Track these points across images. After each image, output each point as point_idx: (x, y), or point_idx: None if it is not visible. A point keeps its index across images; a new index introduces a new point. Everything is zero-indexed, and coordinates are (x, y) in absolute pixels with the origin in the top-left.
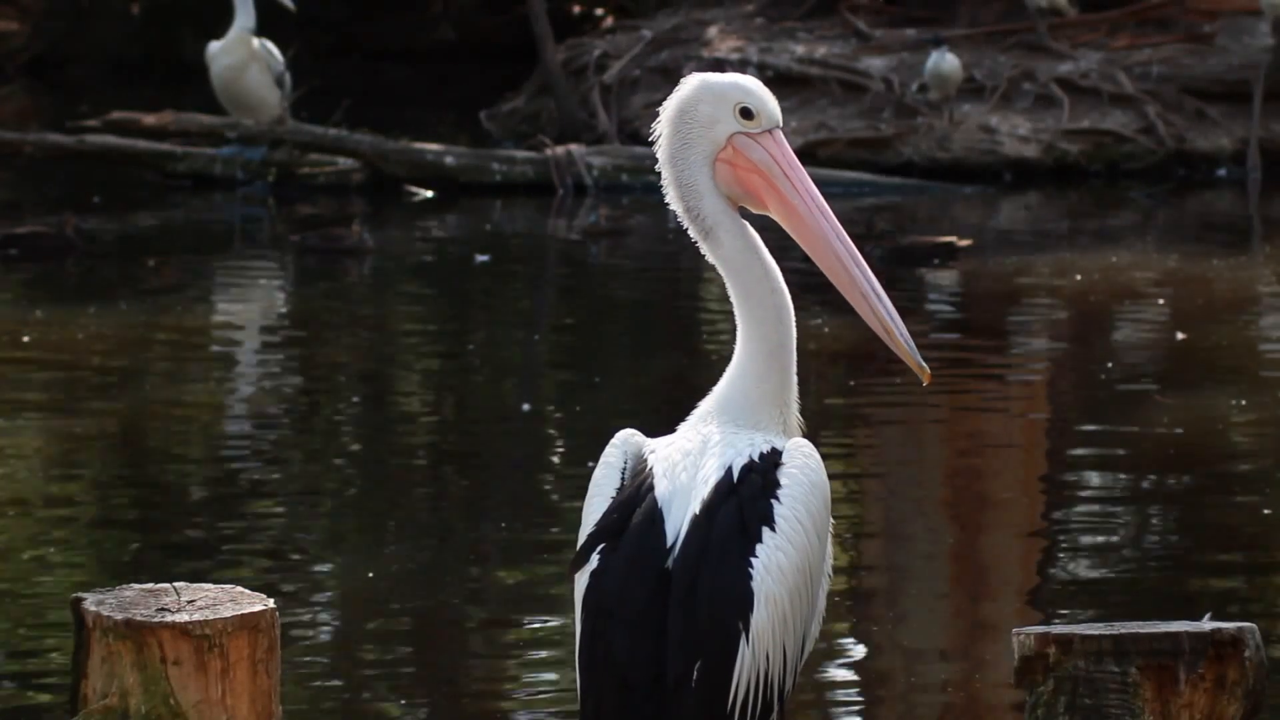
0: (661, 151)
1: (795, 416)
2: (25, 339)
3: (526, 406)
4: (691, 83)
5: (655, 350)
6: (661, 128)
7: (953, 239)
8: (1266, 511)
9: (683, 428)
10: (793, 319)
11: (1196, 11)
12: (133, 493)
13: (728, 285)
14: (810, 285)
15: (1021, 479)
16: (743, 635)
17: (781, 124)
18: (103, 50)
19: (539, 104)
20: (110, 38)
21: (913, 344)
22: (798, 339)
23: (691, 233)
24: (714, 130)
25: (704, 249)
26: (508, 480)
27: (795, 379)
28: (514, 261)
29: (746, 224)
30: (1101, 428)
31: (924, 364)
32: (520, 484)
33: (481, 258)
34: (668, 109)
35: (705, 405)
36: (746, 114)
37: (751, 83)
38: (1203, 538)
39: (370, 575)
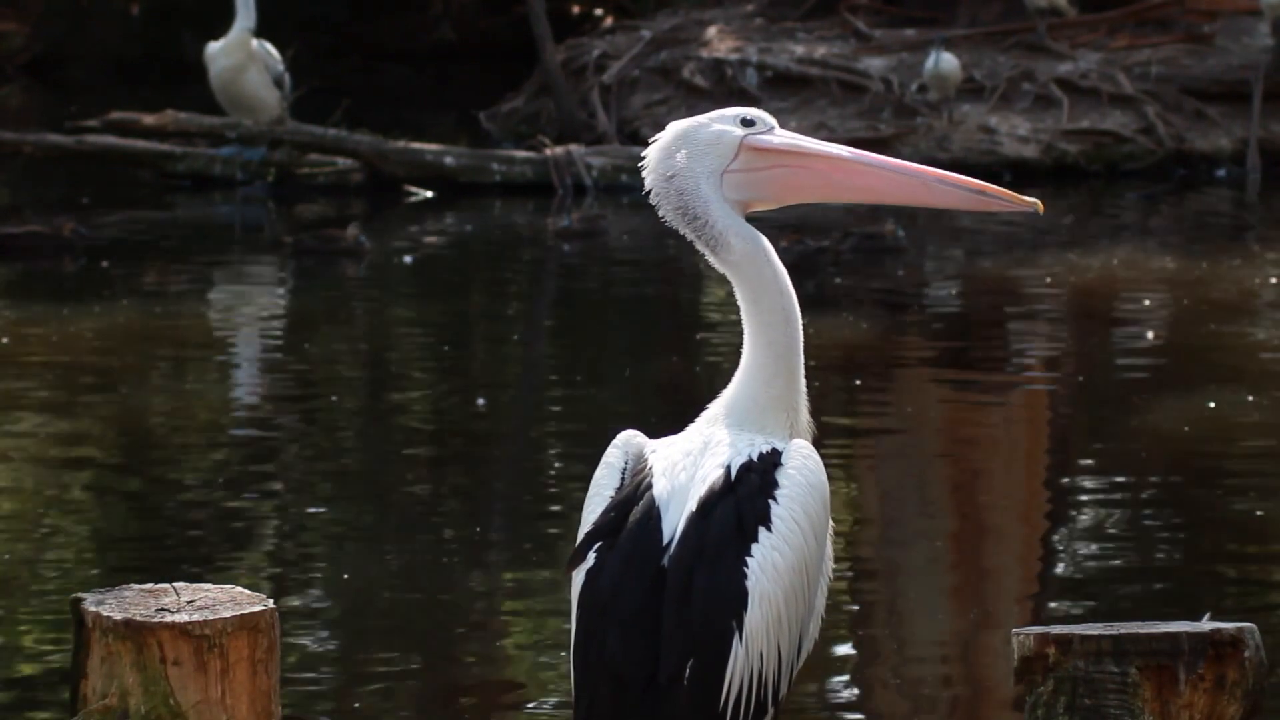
0: (657, 173)
1: (805, 419)
2: (22, 339)
3: (481, 402)
4: (678, 122)
5: (641, 350)
6: (653, 155)
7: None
8: (1261, 512)
9: (688, 429)
10: (800, 322)
11: (1196, 11)
12: (132, 493)
13: (737, 290)
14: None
15: (1021, 479)
16: (736, 634)
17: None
18: (103, 50)
19: (539, 104)
20: (110, 38)
21: (1007, 192)
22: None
23: (699, 246)
24: (721, 143)
25: (713, 259)
26: (506, 479)
27: (803, 382)
28: (496, 262)
29: (754, 229)
30: (1100, 428)
31: (1030, 199)
32: (519, 482)
33: (406, 259)
34: (661, 142)
35: (713, 408)
36: (748, 122)
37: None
38: (1202, 538)
39: (370, 575)
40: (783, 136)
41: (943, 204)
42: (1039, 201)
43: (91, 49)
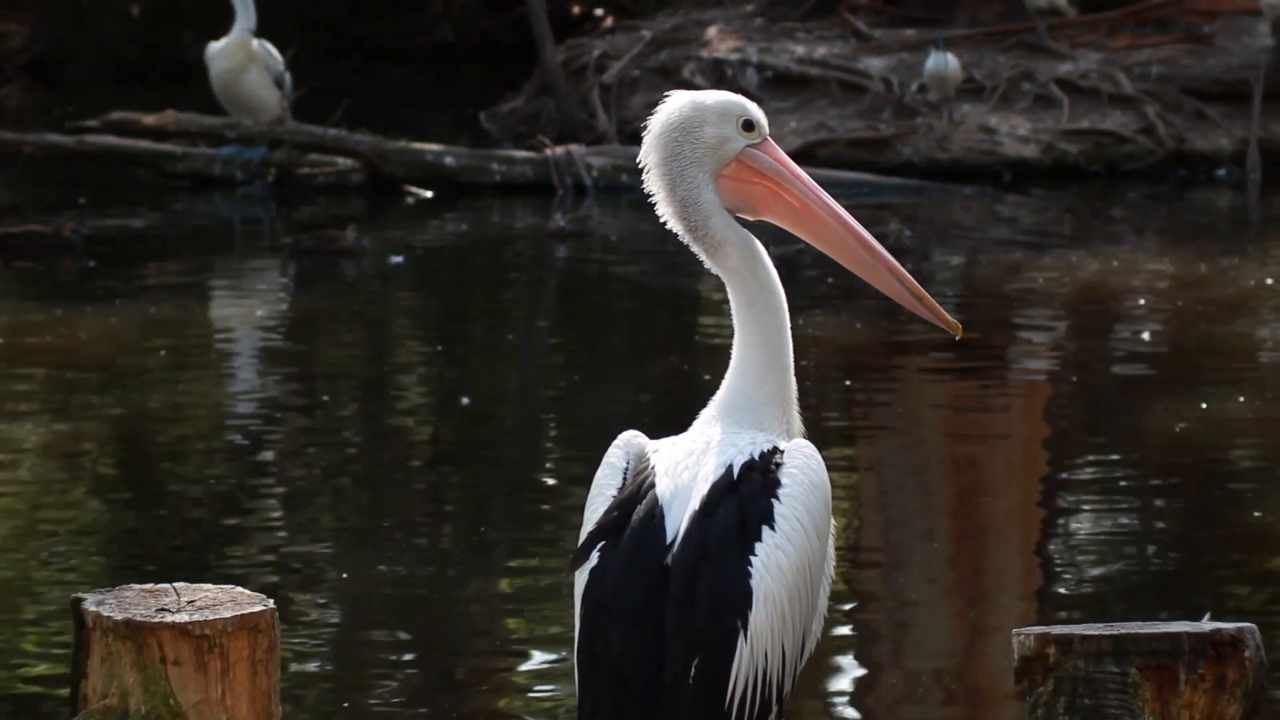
0: (659, 175)
1: (797, 417)
2: (21, 339)
3: (465, 400)
4: (681, 106)
5: (638, 351)
6: (654, 152)
7: None
8: (1259, 513)
9: (689, 430)
10: (788, 318)
11: (1196, 11)
12: (132, 493)
13: (730, 291)
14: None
15: (1021, 479)
16: (741, 633)
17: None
18: (103, 50)
19: (539, 104)
20: (110, 38)
21: (939, 309)
22: (795, 342)
23: (696, 248)
24: (723, 149)
25: (709, 262)
26: (506, 480)
27: (794, 379)
28: (494, 263)
29: (748, 232)
30: (1100, 428)
31: (954, 321)
32: (519, 483)
33: (396, 259)
34: (660, 132)
35: (709, 410)
36: (748, 127)
37: (740, 97)
38: (1202, 538)
39: (370, 574)
40: (771, 159)
41: (881, 289)
42: (959, 326)
43: (91, 49)
